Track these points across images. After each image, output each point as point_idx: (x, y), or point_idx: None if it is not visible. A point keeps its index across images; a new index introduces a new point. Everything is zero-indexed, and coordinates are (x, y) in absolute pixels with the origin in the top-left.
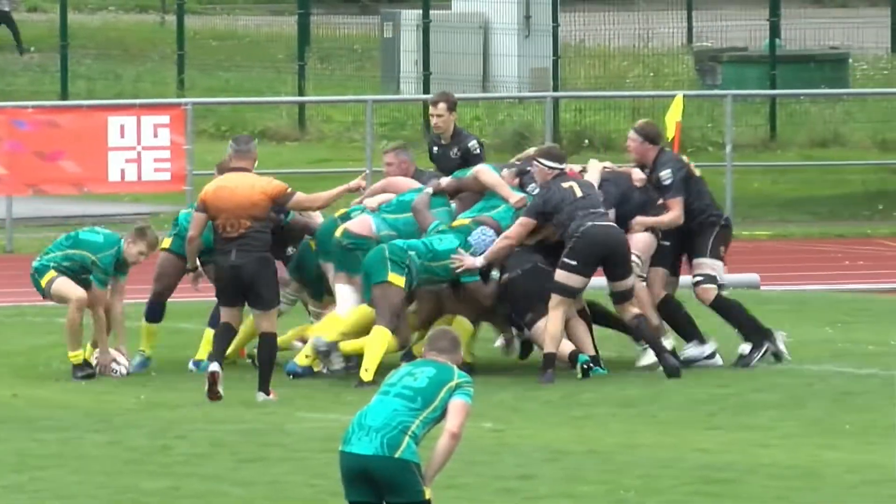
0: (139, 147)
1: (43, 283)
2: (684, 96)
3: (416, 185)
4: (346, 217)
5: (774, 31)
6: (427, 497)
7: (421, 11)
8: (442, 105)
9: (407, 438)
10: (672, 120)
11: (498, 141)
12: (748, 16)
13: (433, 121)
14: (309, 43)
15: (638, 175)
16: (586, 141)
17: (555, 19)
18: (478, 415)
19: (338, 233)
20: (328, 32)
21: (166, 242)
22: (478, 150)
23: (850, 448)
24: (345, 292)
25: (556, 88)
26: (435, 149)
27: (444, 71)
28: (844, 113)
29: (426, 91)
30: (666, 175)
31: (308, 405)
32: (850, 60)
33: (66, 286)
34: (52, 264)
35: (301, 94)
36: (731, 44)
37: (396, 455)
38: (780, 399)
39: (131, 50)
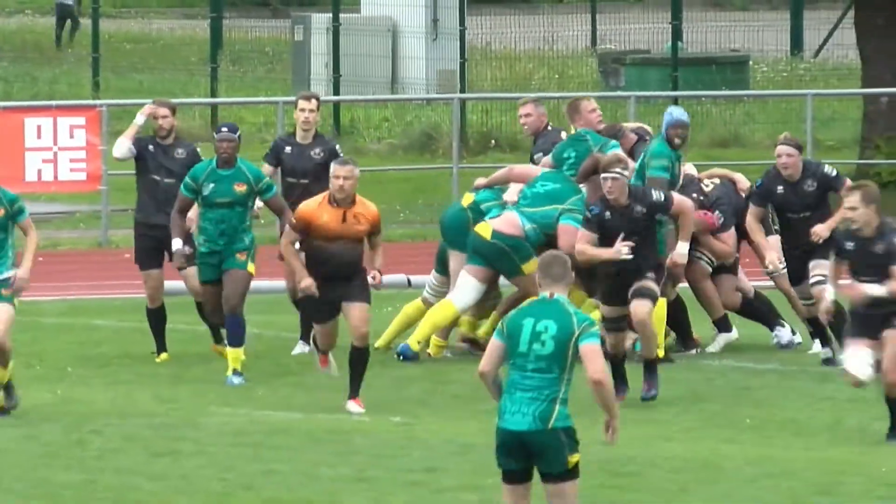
0: (55, 147)
1: None
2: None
3: (537, 171)
4: (475, 207)
5: (676, 34)
6: (571, 466)
7: (331, 15)
8: (314, 101)
9: (556, 407)
10: None
11: (406, 141)
12: (651, 19)
13: (304, 115)
14: (221, 46)
15: (743, 181)
16: (493, 142)
17: (462, 23)
18: (387, 409)
19: (486, 234)
20: (240, 35)
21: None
22: (341, 154)
23: (749, 441)
24: (468, 284)
25: (463, 90)
26: (288, 148)
27: (354, 73)
28: (745, 114)
29: (336, 93)
30: (831, 169)
31: (219, 400)
32: (751, 63)
33: None
34: None
35: (214, 95)
36: (633, 46)
37: (549, 426)
38: (681, 394)
39: (47, 53)
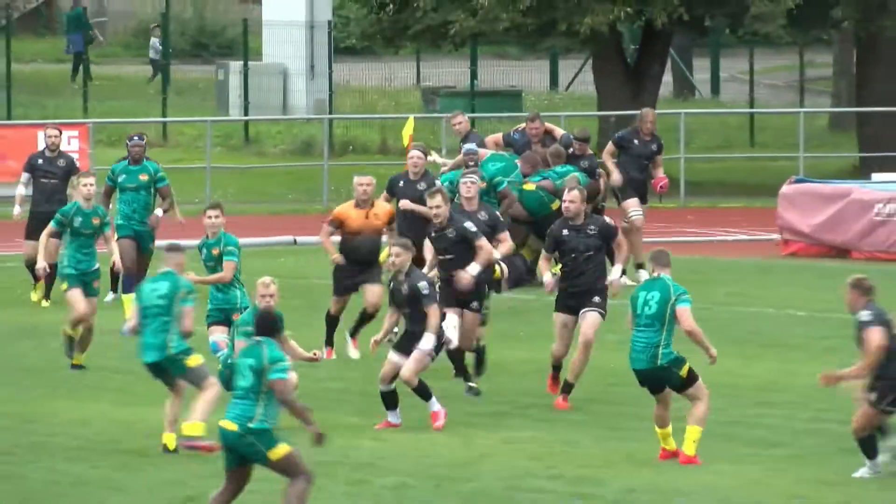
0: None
1: None
2: (414, 118)
3: (486, 153)
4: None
5: (473, 75)
6: (686, 375)
7: (242, 62)
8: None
9: (660, 350)
10: (406, 133)
11: (293, 147)
12: (457, 64)
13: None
14: (169, 82)
15: None
16: (350, 147)
17: (330, 67)
18: None
19: (532, 186)
20: (182, 76)
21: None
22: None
23: (525, 348)
24: None
25: (331, 112)
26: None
27: (258, 101)
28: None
29: (246, 114)
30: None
31: None
32: (523, 94)
33: None
34: None
35: (164, 115)
36: (445, 83)
37: (658, 364)
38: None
39: (54, 88)
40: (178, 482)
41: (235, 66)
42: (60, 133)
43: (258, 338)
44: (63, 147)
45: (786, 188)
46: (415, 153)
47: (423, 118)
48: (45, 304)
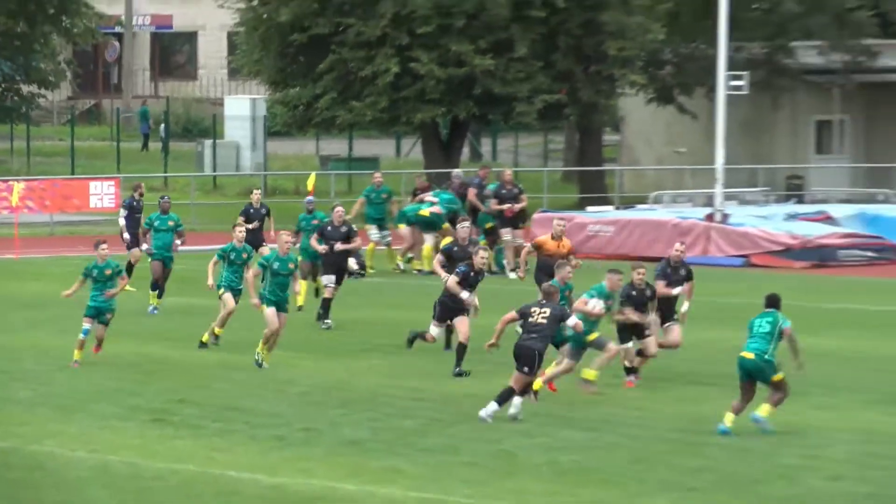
0: (101, 193)
1: None
2: (315, 174)
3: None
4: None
5: (350, 147)
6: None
7: (212, 140)
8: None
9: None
10: (310, 183)
11: (242, 190)
12: (341, 141)
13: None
14: (168, 153)
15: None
16: (277, 190)
17: (265, 143)
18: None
19: (427, 213)
20: (177, 148)
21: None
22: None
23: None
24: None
25: (265, 170)
26: (251, 210)
27: (221, 163)
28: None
29: (214, 171)
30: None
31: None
32: (379, 159)
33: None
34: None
35: (165, 171)
36: (334, 152)
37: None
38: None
39: (100, 156)
40: (174, 390)
41: (208, 142)
42: (144, 189)
43: (770, 308)
44: (101, 192)
45: (536, 216)
46: (339, 209)
47: (321, 174)
48: (129, 289)
